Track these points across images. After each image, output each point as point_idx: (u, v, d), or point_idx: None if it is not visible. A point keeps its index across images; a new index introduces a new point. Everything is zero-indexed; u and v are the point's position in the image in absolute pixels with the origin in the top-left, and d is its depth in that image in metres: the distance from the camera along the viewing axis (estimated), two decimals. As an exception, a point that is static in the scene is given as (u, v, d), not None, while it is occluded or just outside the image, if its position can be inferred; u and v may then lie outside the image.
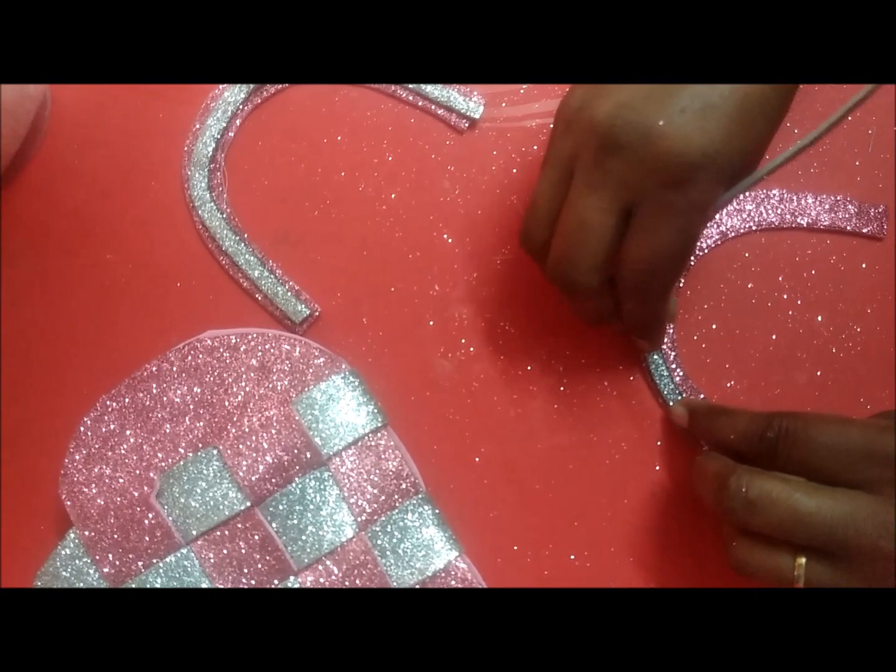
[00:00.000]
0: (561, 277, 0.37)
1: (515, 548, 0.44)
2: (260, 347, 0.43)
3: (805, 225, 0.45)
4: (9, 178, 0.47)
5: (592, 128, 0.34)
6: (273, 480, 0.42)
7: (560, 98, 0.37)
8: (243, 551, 0.42)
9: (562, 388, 0.45)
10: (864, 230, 0.45)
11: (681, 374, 0.44)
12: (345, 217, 0.47)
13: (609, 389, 0.45)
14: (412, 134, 0.47)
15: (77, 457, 0.43)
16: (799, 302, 0.45)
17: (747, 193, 0.46)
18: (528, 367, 0.45)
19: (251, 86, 0.47)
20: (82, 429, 0.43)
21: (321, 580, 0.42)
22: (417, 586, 0.42)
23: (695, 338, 0.45)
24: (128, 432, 0.43)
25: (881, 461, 0.34)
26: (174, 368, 0.43)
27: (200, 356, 0.43)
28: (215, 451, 0.42)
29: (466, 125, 0.47)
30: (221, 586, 0.42)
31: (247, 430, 0.42)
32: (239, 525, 0.42)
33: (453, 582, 0.42)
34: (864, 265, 0.45)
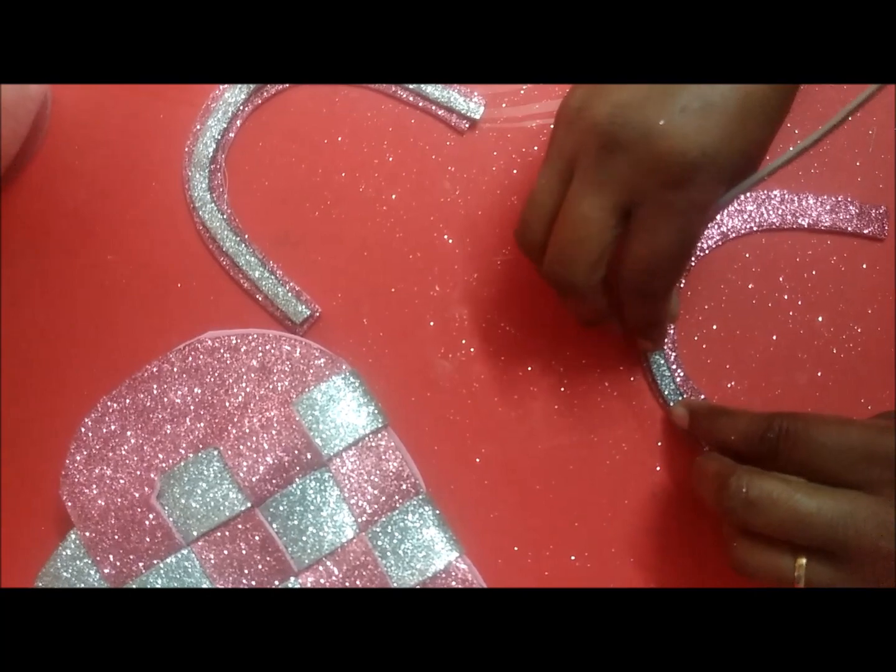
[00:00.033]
0: (557, 275, 0.37)
1: (516, 548, 0.44)
2: (260, 348, 0.43)
3: (806, 226, 0.45)
4: (9, 178, 0.47)
5: (593, 127, 0.34)
6: (273, 481, 0.42)
7: (560, 99, 0.37)
8: (244, 552, 0.42)
9: (562, 389, 0.45)
10: (865, 231, 0.45)
11: (681, 374, 0.44)
12: (345, 218, 0.47)
13: (609, 390, 0.45)
14: (413, 134, 0.47)
15: (78, 457, 0.43)
16: (799, 302, 0.45)
17: (748, 194, 0.45)
18: (529, 368, 0.45)
19: (252, 86, 0.47)
20: (83, 430, 0.43)
21: (322, 581, 0.42)
22: (418, 587, 0.42)
23: (695, 338, 0.45)
24: (128, 433, 0.43)
25: (881, 462, 0.34)
26: (175, 369, 0.43)
27: (201, 357, 0.43)
28: (216, 452, 0.42)
29: (467, 126, 0.47)
30: (222, 587, 0.42)
31: (247, 430, 0.42)
32: (239, 526, 0.42)
33: (454, 583, 0.42)
34: (864, 266, 0.45)
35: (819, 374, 0.45)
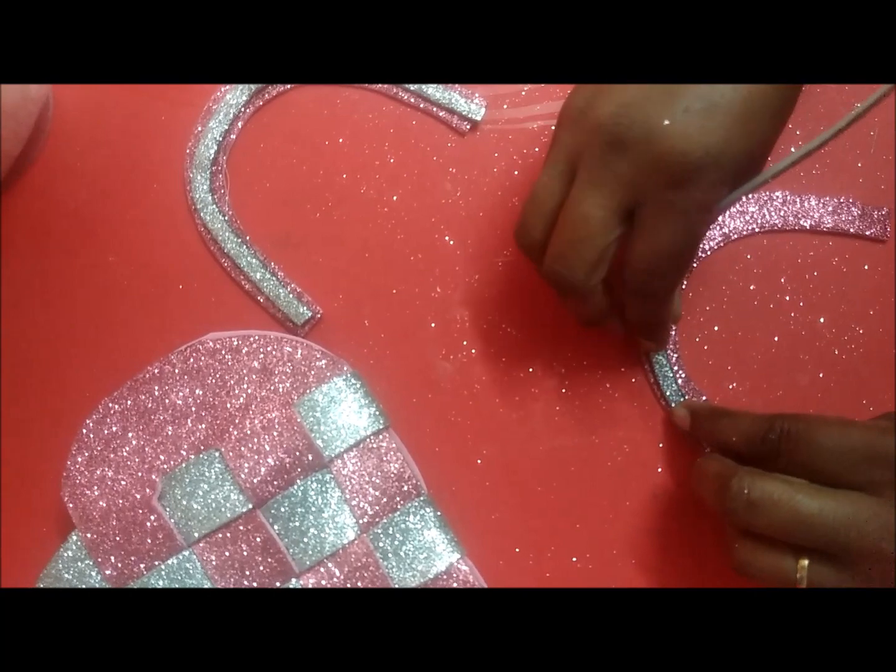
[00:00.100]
0: (558, 275, 0.37)
1: (517, 550, 0.44)
2: (262, 349, 0.43)
3: (808, 227, 0.45)
4: (11, 179, 0.47)
5: (597, 127, 0.34)
6: (275, 483, 0.42)
7: (561, 100, 0.37)
8: (245, 553, 0.42)
9: (563, 390, 0.45)
10: (868, 233, 0.45)
11: (683, 375, 0.44)
12: (346, 219, 0.47)
13: (611, 391, 0.45)
14: (414, 136, 0.47)
15: (79, 459, 0.43)
16: (801, 304, 0.45)
17: (750, 195, 0.45)
18: (530, 369, 0.45)
19: (253, 88, 0.47)
20: (84, 431, 0.43)
21: (323, 582, 0.42)
22: (419, 588, 0.42)
23: (697, 339, 0.45)
24: (130, 434, 0.43)
25: (883, 463, 0.34)
26: (176, 371, 0.43)
27: (202, 358, 0.43)
28: (217, 454, 0.42)
29: (468, 127, 0.47)
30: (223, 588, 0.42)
31: (248, 432, 0.42)
32: (241, 527, 0.42)
33: (455, 584, 0.42)
34: (866, 267, 0.45)
35: (820, 375, 0.44)
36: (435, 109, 0.47)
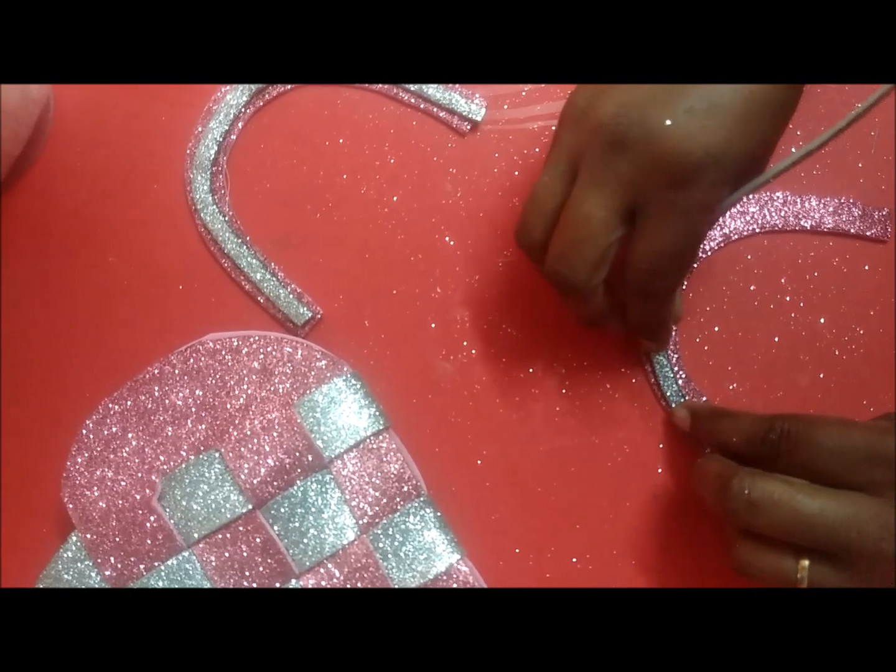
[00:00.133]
0: (559, 275, 0.37)
1: (517, 550, 0.44)
2: (262, 350, 0.43)
3: (809, 228, 0.45)
4: (11, 179, 0.47)
5: (599, 127, 0.34)
6: (275, 483, 0.42)
7: (562, 101, 0.37)
8: (245, 554, 0.42)
9: (564, 391, 0.45)
10: (868, 233, 0.45)
11: (683, 376, 0.44)
12: (347, 220, 0.47)
13: (611, 392, 0.45)
14: (414, 136, 0.47)
15: (79, 459, 0.43)
16: (801, 304, 0.45)
17: (750, 196, 0.45)
18: (530, 370, 0.45)
19: (253, 88, 0.47)
20: (84, 431, 0.43)
21: (323, 583, 0.42)
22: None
23: (697, 340, 0.45)
24: (130, 435, 0.43)
25: (883, 463, 0.33)
26: (176, 371, 0.43)
27: (202, 359, 0.43)
28: (217, 454, 0.42)
29: (468, 127, 0.47)
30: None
31: (248, 432, 0.42)
32: (240, 528, 0.42)
33: (455, 585, 0.42)
34: (866, 267, 0.45)
35: (821, 375, 0.44)
36: (435, 110, 0.47)
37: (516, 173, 0.46)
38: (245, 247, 0.46)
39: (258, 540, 0.42)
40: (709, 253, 0.45)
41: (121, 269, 0.46)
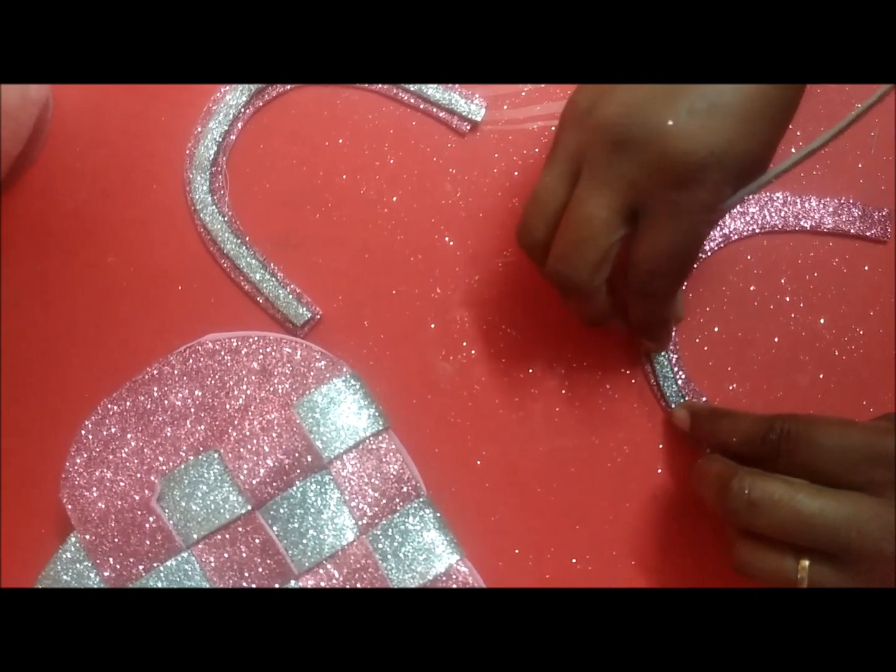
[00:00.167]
0: (561, 275, 0.37)
1: (517, 551, 0.44)
2: (261, 350, 0.43)
3: (808, 228, 0.45)
4: (10, 179, 0.47)
5: (601, 127, 0.34)
6: (274, 484, 0.42)
7: (562, 101, 0.37)
8: (244, 555, 0.42)
9: (563, 391, 0.45)
10: (868, 233, 0.45)
11: (683, 376, 0.44)
12: (346, 220, 0.47)
13: (611, 392, 0.45)
14: (414, 137, 0.47)
15: (78, 460, 0.43)
16: (801, 304, 0.45)
17: (750, 196, 0.45)
18: (530, 370, 0.45)
19: (253, 89, 0.47)
20: (83, 432, 0.43)
21: (322, 584, 0.42)
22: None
23: (697, 340, 0.45)
24: (129, 436, 0.43)
25: (883, 463, 0.33)
26: (175, 372, 0.43)
27: (202, 359, 0.43)
28: (216, 455, 0.42)
29: (468, 128, 0.47)
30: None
31: (248, 433, 0.42)
32: (240, 529, 0.42)
33: (454, 585, 0.42)
34: (866, 268, 0.45)
35: (821, 376, 0.44)
36: (435, 110, 0.47)
37: (516, 174, 0.46)
38: (244, 247, 0.46)
39: (257, 540, 0.42)
40: (709, 253, 0.45)
41: (120, 270, 0.46)
